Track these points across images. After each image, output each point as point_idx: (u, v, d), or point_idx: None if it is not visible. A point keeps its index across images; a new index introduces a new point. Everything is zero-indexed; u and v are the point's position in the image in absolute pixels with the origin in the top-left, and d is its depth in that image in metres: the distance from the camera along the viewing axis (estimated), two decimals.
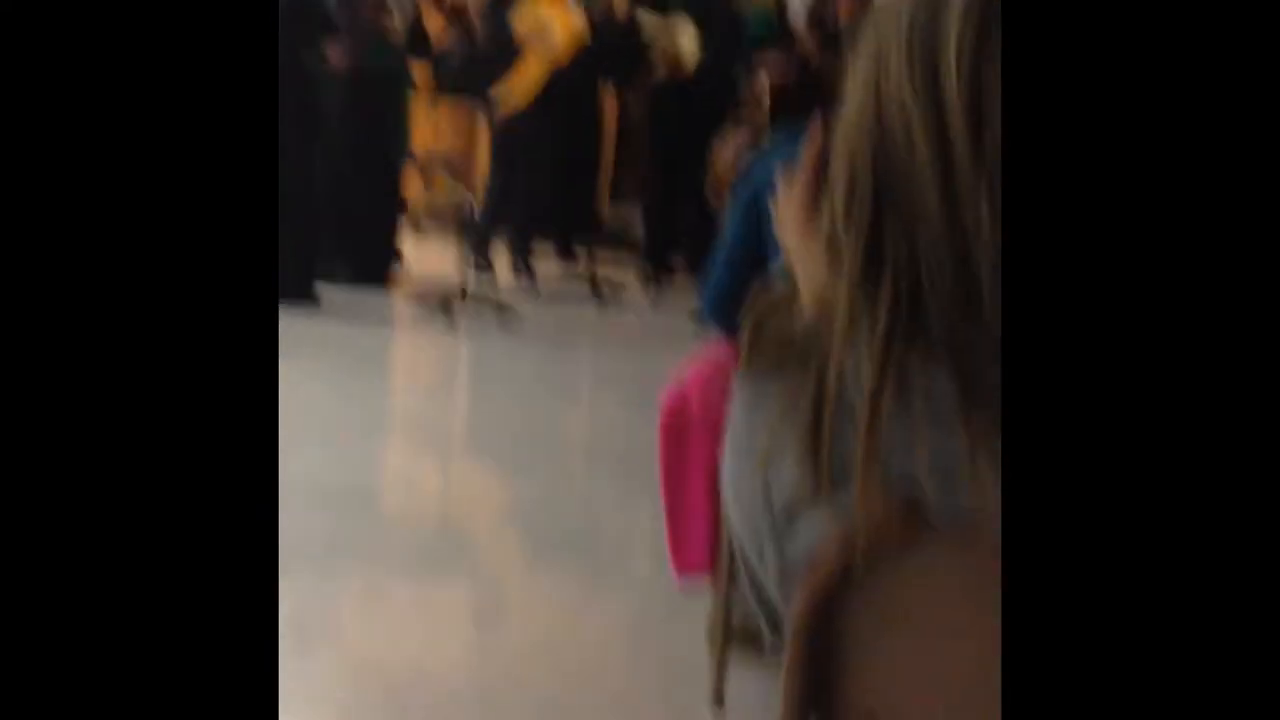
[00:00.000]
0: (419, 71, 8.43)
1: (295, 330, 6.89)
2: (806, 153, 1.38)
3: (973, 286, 1.11)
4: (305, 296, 7.30)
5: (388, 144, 8.23)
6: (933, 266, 1.13)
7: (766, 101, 7.68)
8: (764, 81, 7.72)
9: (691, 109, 8.48)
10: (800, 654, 1.23)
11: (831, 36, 7.69)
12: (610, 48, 8.45)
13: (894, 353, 1.12)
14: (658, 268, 9.13)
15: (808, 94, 7.44)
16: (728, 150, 7.46)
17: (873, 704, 1.20)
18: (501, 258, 8.98)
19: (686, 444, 3.47)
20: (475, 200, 8.76)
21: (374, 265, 8.05)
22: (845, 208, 1.17)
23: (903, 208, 1.13)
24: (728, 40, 8.35)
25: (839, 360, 1.16)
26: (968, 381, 1.11)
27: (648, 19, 8.71)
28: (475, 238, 8.55)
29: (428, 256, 9.11)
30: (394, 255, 8.38)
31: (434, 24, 8.64)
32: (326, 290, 7.52)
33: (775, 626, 1.30)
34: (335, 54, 7.43)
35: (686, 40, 8.61)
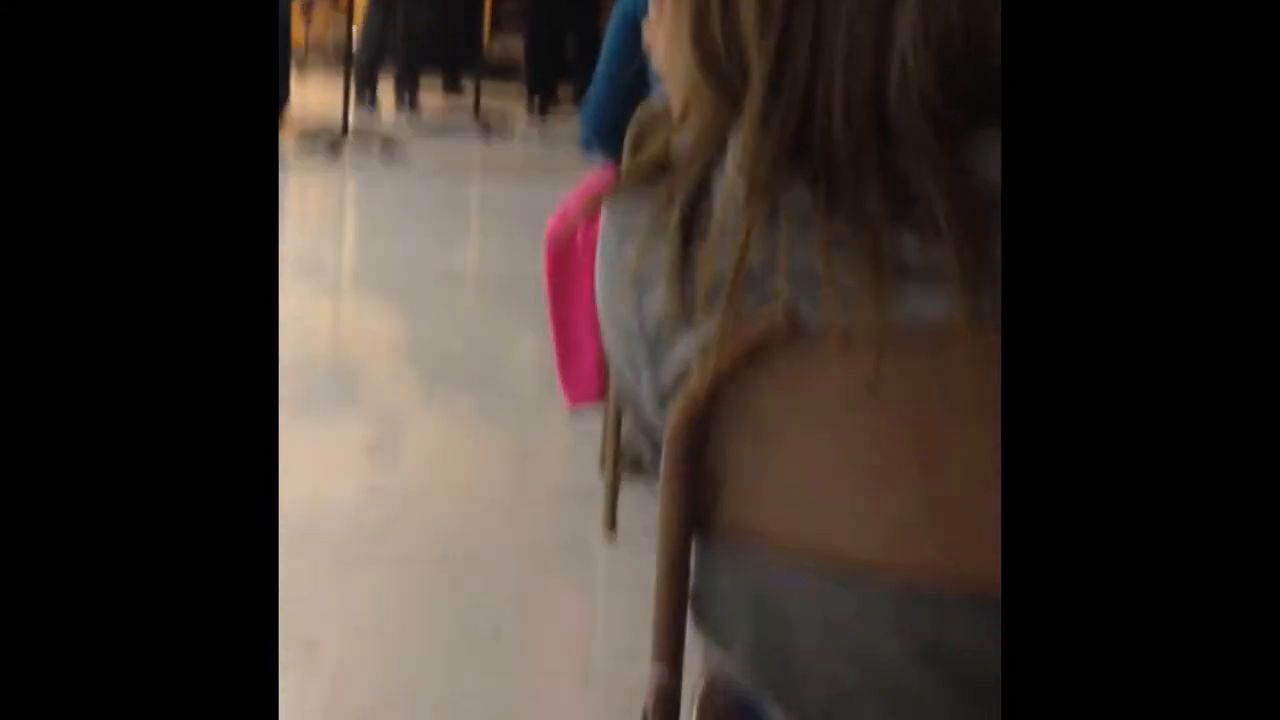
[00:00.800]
0: None
1: None
2: None
3: (881, 95, 1.08)
4: None
5: None
6: (838, 84, 1.10)
7: None
8: None
9: None
10: (676, 472, 1.22)
11: None
12: None
13: (776, 176, 1.10)
14: (544, 98, 9.05)
15: None
16: None
17: (753, 520, 1.19)
18: (386, 93, 8.85)
19: (572, 272, 3.44)
20: (358, 35, 8.61)
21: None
22: (754, 20, 1.11)
23: (821, 12, 1.09)
24: None
25: (706, 178, 1.14)
26: (827, 187, 1.09)
27: None
28: (359, 73, 8.40)
29: (311, 93, 8.96)
30: (279, 94, 8.23)
31: None
32: None
33: (656, 449, 1.29)
34: None
35: None
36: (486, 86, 8.71)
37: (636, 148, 2.88)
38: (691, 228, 1.14)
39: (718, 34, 1.12)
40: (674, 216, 1.14)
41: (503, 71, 9.71)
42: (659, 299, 1.15)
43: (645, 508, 3.18)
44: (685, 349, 1.16)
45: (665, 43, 1.33)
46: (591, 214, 2.90)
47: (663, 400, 1.20)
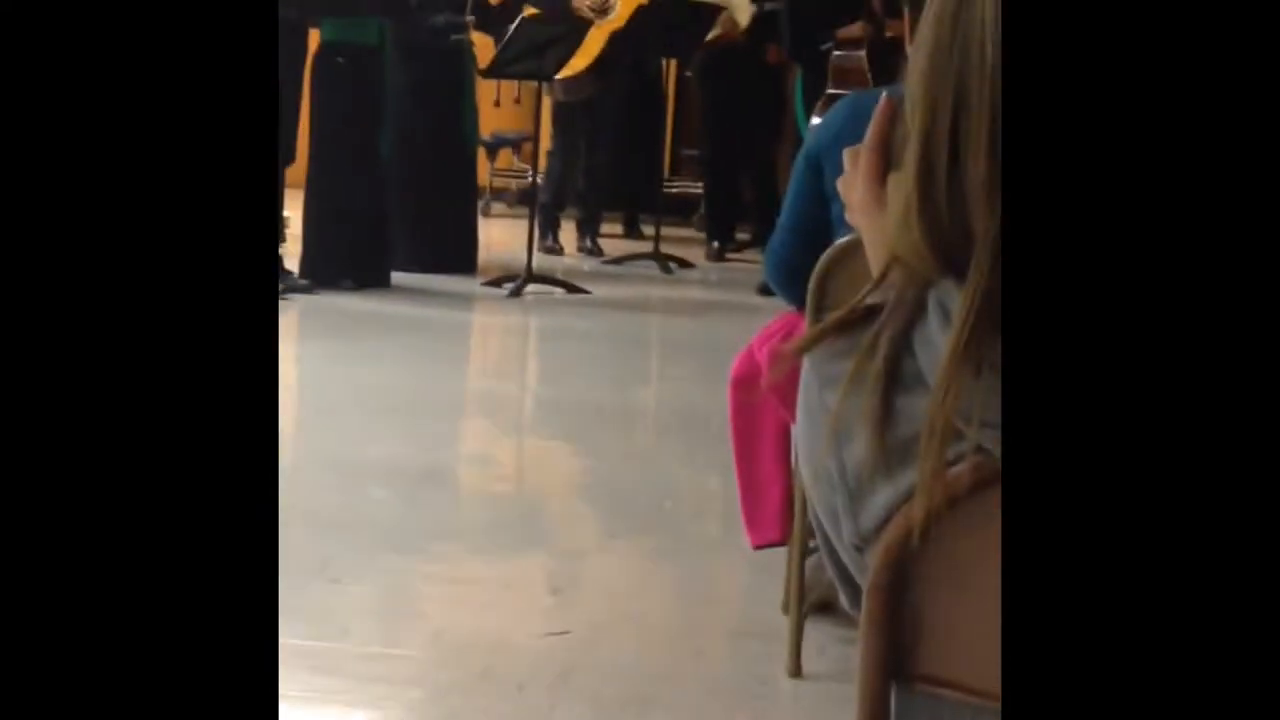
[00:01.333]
0: (482, 49, 8.40)
1: (368, 311, 6.93)
2: (874, 126, 1.30)
3: None
4: (381, 285, 7.36)
5: (455, 126, 8.21)
6: None
7: (864, 68, 7.61)
8: (854, 56, 7.66)
9: (751, 76, 8.43)
10: (876, 620, 1.22)
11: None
12: (669, 14, 8.39)
13: (988, 335, 1.09)
14: (722, 241, 9.12)
15: (878, 59, 7.37)
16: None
17: (952, 670, 1.19)
18: (569, 235, 9.00)
19: (758, 413, 3.46)
20: (540, 179, 8.77)
21: (448, 252, 8.02)
22: (929, 173, 1.13)
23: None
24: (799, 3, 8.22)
25: (910, 331, 1.15)
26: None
27: None
28: (542, 216, 8.55)
29: (496, 234, 9.13)
30: (467, 240, 8.38)
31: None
32: (405, 274, 7.57)
33: (854, 594, 1.29)
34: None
35: (740, 6, 8.52)
36: (665, 228, 8.81)
37: (821, 292, 2.90)
38: (894, 379, 1.15)
39: (943, 195, 1.12)
40: (876, 366, 1.15)
41: (681, 213, 9.82)
42: (859, 448, 1.16)
43: (828, 650, 3.17)
44: (885, 498, 1.16)
45: (865, 197, 1.34)
46: (782, 362, 2.92)
47: (861, 547, 1.20)
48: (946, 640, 1.20)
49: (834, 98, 7.42)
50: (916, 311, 1.15)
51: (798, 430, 1.27)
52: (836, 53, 7.74)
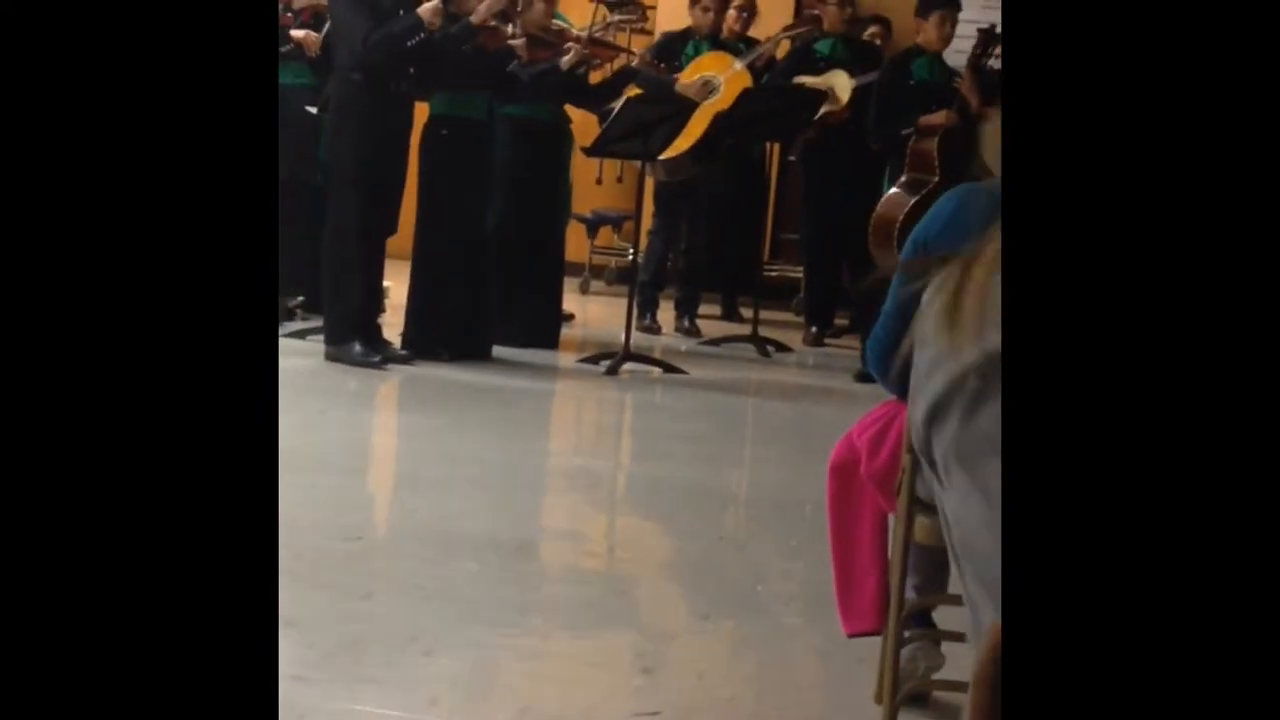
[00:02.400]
0: (580, 125, 8.46)
1: (467, 383, 6.96)
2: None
3: None
4: (482, 358, 7.40)
5: (552, 203, 8.26)
6: None
7: (934, 155, 7.62)
8: (928, 142, 7.68)
9: (852, 162, 8.43)
10: (984, 710, 1.22)
11: (991, 82, 7.60)
12: (774, 98, 8.43)
13: None
14: (820, 326, 9.10)
15: (971, 141, 7.35)
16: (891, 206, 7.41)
17: None
18: (667, 314, 9.01)
19: (855, 501, 3.43)
20: (640, 257, 8.80)
21: (542, 327, 8.06)
22: None
23: None
24: (888, 89, 8.24)
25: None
26: None
27: (808, 79, 8.66)
28: (641, 295, 8.57)
29: (593, 313, 9.17)
30: (562, 317, 8.42)
31: (598, 73, 8.64)
32: (498, 349, 7.61)
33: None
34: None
35: (841, 83, 8.54)
36: (764, 311, 8.80)
37: None
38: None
39: None
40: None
41: (780, 296, 9.82)
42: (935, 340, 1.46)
43: None
44: (940, 381, 1.43)
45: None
46: (876, 444, 2.97)
47: (922, 448, 1.50)
48: None
49: (909, 183, 7.47)
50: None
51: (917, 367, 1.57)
52: (915, 139, 7.75)
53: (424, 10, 6.91)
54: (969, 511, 1.35)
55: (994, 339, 1.28)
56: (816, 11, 9.02)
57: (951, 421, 1.36)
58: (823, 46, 8.78)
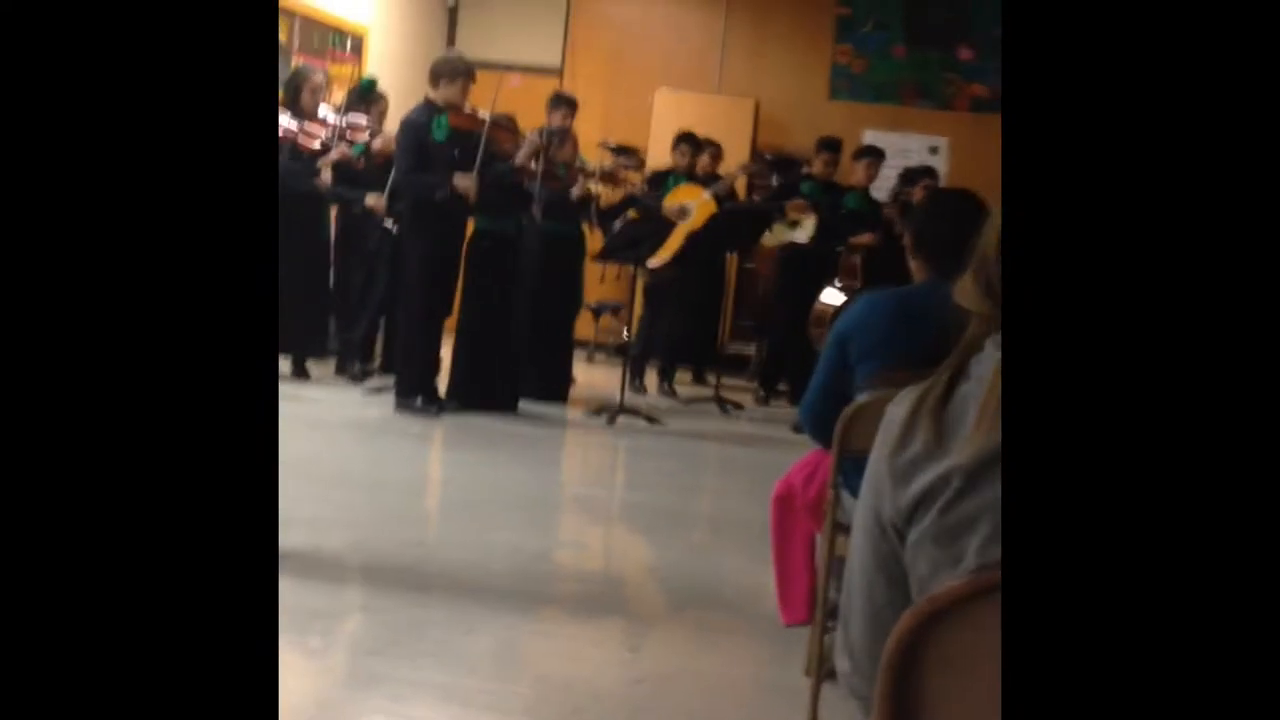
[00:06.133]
0: (592, 238, 8.49)
1: (498, 428, 6.95)
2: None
3: None
4: (510, 410, 7.40)
5: (566, 294, 8.30)
6: None
7: (857, 266, 7.69)
8: (854, 256, 7.74)
9: (806, 270, 8.44)
10: (886, 694, 1.19)
11: (907, 210, 7.67)
12: (733, 222, 8.46)
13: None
14: (766, 390, 9.10)
15: (891, 257, 7.44)
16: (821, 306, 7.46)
17: None
18: (651, 379, 9.01)
19: (791, 522, 3.43)
20: (631, 336, 8.81)
21: (557, 386, 8.09)
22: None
23: None
24: (831, 217, 8.29)
25: (965, 363, 1.27)
26: None
27: (779, 229, 8.64)
28: (632, 364, 8.58)
29: (596, 377, 9.17)
30: (569, 378, 8.42)
31: (607, 196, 8.66)
32: (523, 402, 7.60)
33: (864, 683, 1.31)
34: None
35: (808, 224, 8.57)
36: (724, 378, 8.80)
37: (845, 437, 2.88)
38: (950, 392, 1.26)
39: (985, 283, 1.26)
40: (941, 382, 1.27)
41: (735, 367, 9.81)
42: (917, 442, 1.25)
43: (838, 706, 3.11)
44: (927, 478, 1.24)
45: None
46: (808, 481, 2.88)
47: (899, 527, 1.28)
48: (943, 712, 1.17)
49: (840, 287, 7.55)
50: (975, 348, 1.26)
51: (865, 478, 1.34)
52: (844, 253, 7.82)
53: (458, 183, 6.88)
54: (935, 575, 1.23)
55: (982, 443, 1.17)
56: (810, 164, 8.96)
57: (932, 512, 1.22)
58: (805, 187, 8.80)
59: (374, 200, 7.79)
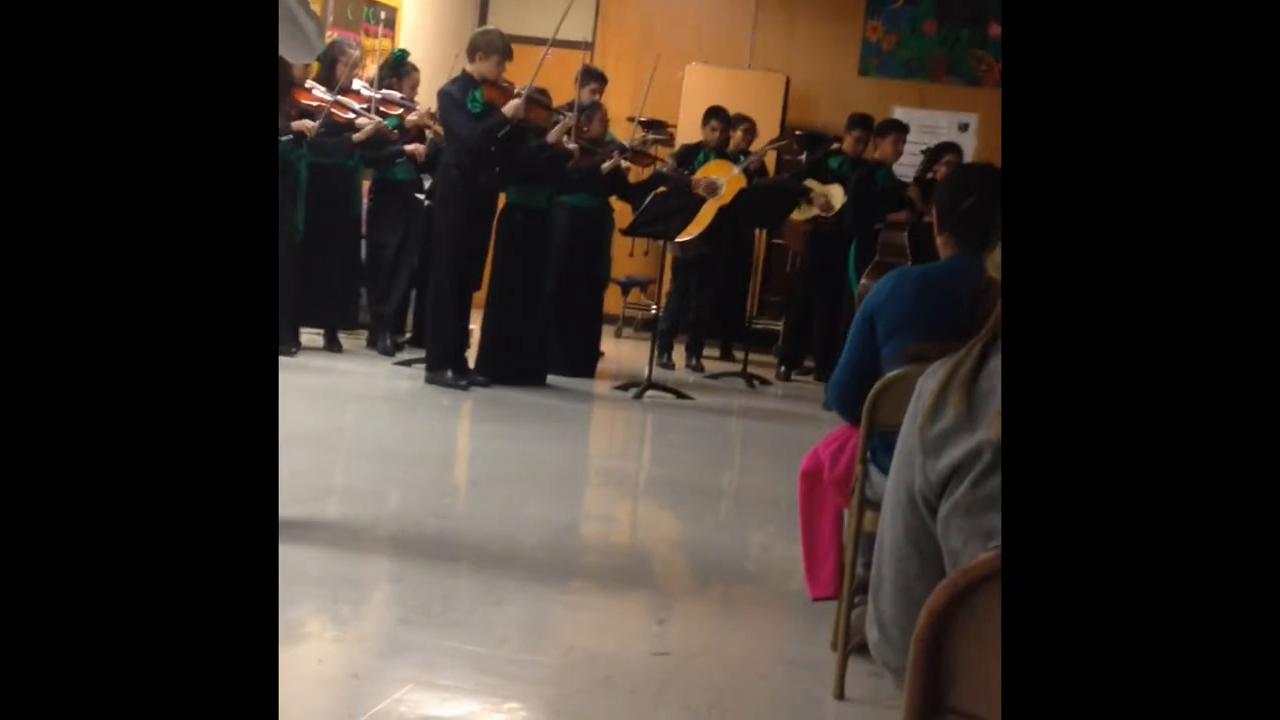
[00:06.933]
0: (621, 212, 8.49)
1: (527, 402, 6.97)
2: None
3: None
4: (539, 384, 7.43)
5: (596, 269, 8.30)
6: None
7: (905, 244, 7.65)
8: (900, 235, 7.71)
9: (835, 248, 8.43)
10: (920, 663, 1.20)
11: (930, 188, 7.64)
12: (764, 196, 8.44)
13: None
14: (789, 366, 9.10)
15: (916, 239, 7.41)
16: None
17: (978, 708, 1.17)
18: (679, 354, 9.01)
19: (819, 497, 3.44)
20: (660, 311, 8.82)
21: (585, 361, 8.10)
22: None
23: None
24: (865, 195, 8.26)
25: (995, 337, 1.25)
26: None
27: (813, 183, 8.66)
28: (660, 340, 8.59)
29: (624, 352, 9.17)
30: (598, 353, 8.44)
31: (635, 174, 8.67)
32: (551, 376, 7.63)
33: (897, 652, 1.30)
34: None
35: (836, 194, 8.57)
36: (751, 354, 8.81)
37: (873, 413, 2.88)
38: (981, 365, 1.25)
39: None
40: (973, 355, 1.26)
41: (763, 343, 9.81)
42: (948, 415, 1.25)
43: (865, 681, 3.12)
44: (958, 452, 1.23)
45: None
46: (835, 456, 2.87)
47: (930, 500, 1.27)
48: (973, 683, 1.18)
49: (880, 265, 7.47)
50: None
51: (897, 451, 1.33)
52: (885, 231, 7.76)
53: (508, 108, 6.92)
54: (967, 547, 1.23)
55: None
56: (839, 139, 8.97)
57: (964, 484, 1.21)
58: (834, 162, 8.78)
59: (414, 147, 7.85)
